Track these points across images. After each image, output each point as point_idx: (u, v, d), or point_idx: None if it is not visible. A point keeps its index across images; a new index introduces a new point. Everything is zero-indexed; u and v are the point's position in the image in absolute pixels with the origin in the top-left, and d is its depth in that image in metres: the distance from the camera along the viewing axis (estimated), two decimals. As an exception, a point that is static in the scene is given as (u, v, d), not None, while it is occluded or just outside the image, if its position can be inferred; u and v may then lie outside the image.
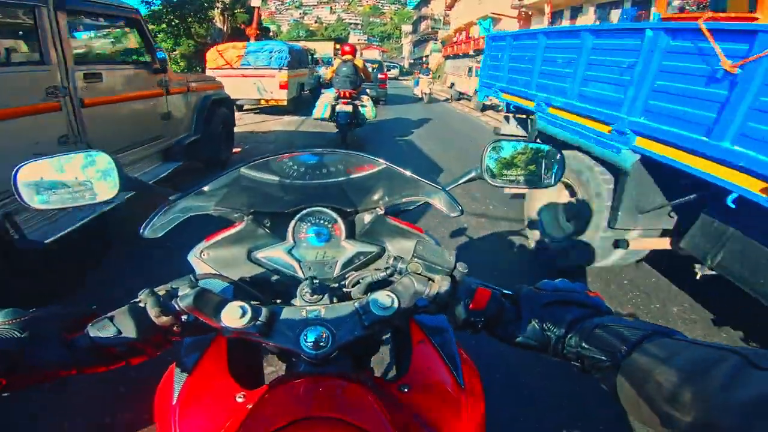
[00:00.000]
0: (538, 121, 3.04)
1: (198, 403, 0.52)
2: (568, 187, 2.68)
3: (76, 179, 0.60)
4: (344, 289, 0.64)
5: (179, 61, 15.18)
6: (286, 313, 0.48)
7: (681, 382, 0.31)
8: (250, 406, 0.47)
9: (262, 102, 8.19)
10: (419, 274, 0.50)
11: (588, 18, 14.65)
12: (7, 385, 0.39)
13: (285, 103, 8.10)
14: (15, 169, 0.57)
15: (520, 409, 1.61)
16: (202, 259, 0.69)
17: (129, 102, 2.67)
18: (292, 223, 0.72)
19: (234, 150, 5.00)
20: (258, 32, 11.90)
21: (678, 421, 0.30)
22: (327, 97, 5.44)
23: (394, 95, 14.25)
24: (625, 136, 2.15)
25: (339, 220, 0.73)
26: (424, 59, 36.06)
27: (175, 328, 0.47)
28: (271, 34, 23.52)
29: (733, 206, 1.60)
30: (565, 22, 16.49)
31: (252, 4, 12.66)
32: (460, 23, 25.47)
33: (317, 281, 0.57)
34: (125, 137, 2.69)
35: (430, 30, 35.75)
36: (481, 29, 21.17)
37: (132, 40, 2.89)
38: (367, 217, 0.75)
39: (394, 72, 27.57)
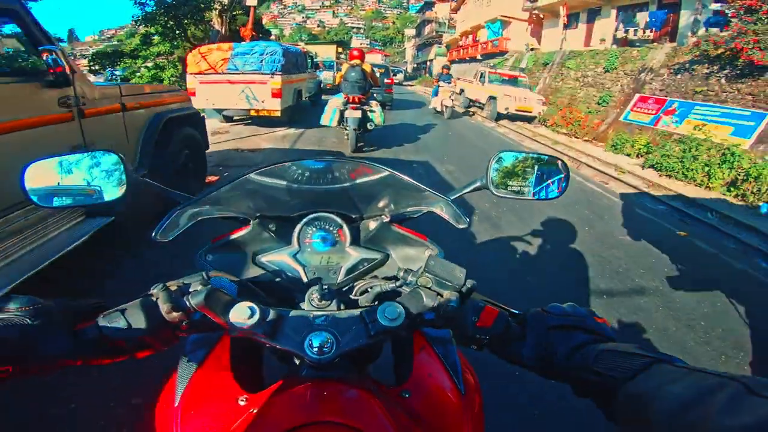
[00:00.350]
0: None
1: (200, 406, 0.51)
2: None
3: (83, 179, 0.61)
4: (352, 297, 0.64)
5: (177, 64, 14.34)
6: (293, 317, 0.48)
7: (680, 409, 0.31)
8: (252, 410, 0.48)
9: (252, 113, 7.04)
10: (429, 288, 0.51)
11: (608, 22, 13.68)
12: (13, 372, 0.39)
13: (278, 113, 6.97)
14: (23, 168, 0.58)
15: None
16: (207, 261, 0.70)
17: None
18: (298, 227, 0.73)
19: (208, 179, 4.05)
20: (254, 33, 10.91)
21: None
22: (335, 102, 5.31)
23: (399, 100, 13.96)
24: None
25: (344, 225, 0.73)
26: (428, 63, 35.27)
27: (183, 325, 0.47)
28: (272, 37, 22.74)
29: None
30: (581, 26, 15.54)
31: (247, 3, 11.69)
32: (467, 26, 24.62)
33: (326, 287, 0.57)
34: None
35: (434, 34, 35.00)
36: (490, 32, 20.27)
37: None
38: (372, 224, 0.76)
39: (399, 77, 26.64)
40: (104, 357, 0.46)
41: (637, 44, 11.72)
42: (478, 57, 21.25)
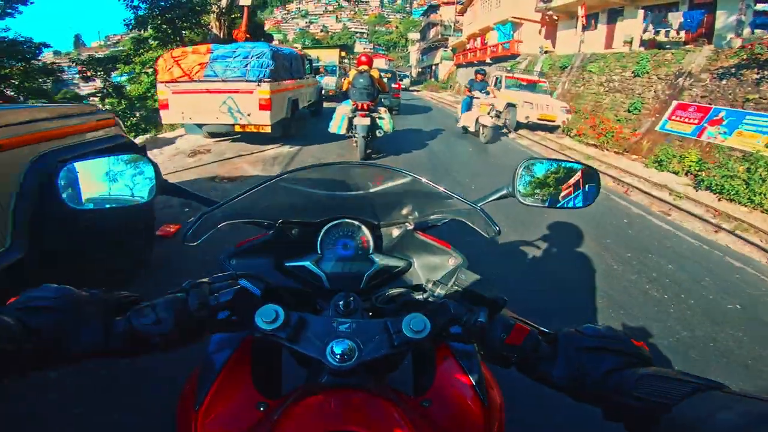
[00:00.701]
0: None
1: (220, 411, 0.51)
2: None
3: (115, 181, 0.63)
4: (376, 305, 0.62)
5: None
6: (317, 323, 0.48)
7: None
8: (271, 417, 0.47)
9: (237, 128, 5.79)
10: (456, 301, 0.50)
11: (633, 23, 12.62)
12: (44, 362, 0.39)
13: (269, 129, 5.74)
14: (58, 170, 0.60)
15: None
16: (231, 265, 0.70)
17: None
18: (321, 234, 0.73)
19: (164, 229, 2.90)
20: (248, 36, 9.98)
21: None
22: (344, 109, 5.23)
23: (407, 105, 13.65)
24: None
25: (367, 232, 0.73)
26: (434, 67, 34.39)
27: (210, 323, 0.47)
28: (275, 42, 21.87)
29: None
30: (601, 27, 14.48)
31: (240, 3, 10.80)
32: (474, 29, 23.70)
33: (352, 295, 0.57)
34: None
35: (439, 37, 34.16)
36: (500, 35, 19.30)
37: None
38: (396, 232, 0.76)
39: (405, 82, 25.36)
40: (133, 350, 0.45)
41: (668, 46, 10.69)
42: (488, 60, 20.27)
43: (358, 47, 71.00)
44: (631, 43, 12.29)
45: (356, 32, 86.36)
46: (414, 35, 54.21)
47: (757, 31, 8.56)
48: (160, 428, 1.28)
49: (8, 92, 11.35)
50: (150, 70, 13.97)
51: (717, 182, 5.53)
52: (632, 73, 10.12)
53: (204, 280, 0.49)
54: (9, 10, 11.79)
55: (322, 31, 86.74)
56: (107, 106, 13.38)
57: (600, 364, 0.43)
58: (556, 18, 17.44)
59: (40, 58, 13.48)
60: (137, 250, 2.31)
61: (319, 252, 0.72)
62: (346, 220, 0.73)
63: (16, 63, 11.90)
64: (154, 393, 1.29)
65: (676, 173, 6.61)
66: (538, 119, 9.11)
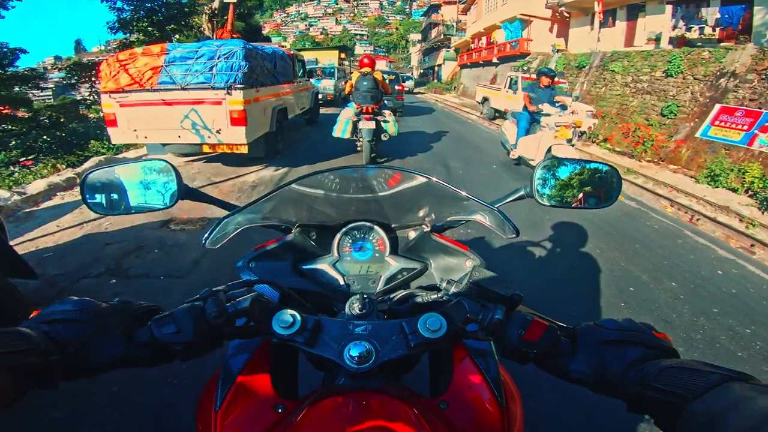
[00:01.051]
0: None
1: (239, 412, 0.51)
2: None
3: (138, 187, 0.64)
4: (392, 306, 0.63)
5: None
6: (333, 326, 0.48)
7: (760, 425, 0.29)
8: (289, 418, 0.47)
9: (206, 149, 4.63)
10: (472, 299, 0.49)
11: (659, 19, 11.57)
12: (69, 373, 0.40)
13: (245, 149, 4.55)
14: (83, 176, 0.62)
15: None
16: (249, 268, 0.70)
17: None
18: (337, 237, 0.73)
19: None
20: (235, 36, 9.00)
21: None
22: (348, 113, 5.08)
23: (409, 107, 13.22)
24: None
25: (383, 235, 0.73)
26: (436, 68, 33.41)
27: (228, 330, 0.47)
28: (275, 44, 20.88)
29: None
30: (620, 24, 13.45)
31: (225, 0, 9.85)
32: (479, 28, 22.72)
33: (367, 297, 0.56)
34: None
35: (441, 37, 33.19)
36: (507, 33, 18.30)
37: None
38: (412, 234, 0.76)
39: (409, 84, 23.79)
40: (154, 360, 0.46)
41: (698, 44, 9.68)
42: (494, 60, 19.29)
43: (359, 49, 70.43)
44: (655, 40, 11.28)
45: (356, 34, 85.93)
46: (415, 36, 53.32)
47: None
48: (179, 429, 1.31)
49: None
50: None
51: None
52: (664, 72, 9.11)
53: (220, 287, 0.49)
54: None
55: (321, 33, 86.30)
56: (92, 114, 12.49)
57: (623, 356, 0.43)
58: (567, 15, 16.45)
59: (40, 63, 12.55)
60: None
61: (336, 254, 0.72)
62: (362, 223, 0.73)
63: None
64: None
65: (734, 190, 5.59)
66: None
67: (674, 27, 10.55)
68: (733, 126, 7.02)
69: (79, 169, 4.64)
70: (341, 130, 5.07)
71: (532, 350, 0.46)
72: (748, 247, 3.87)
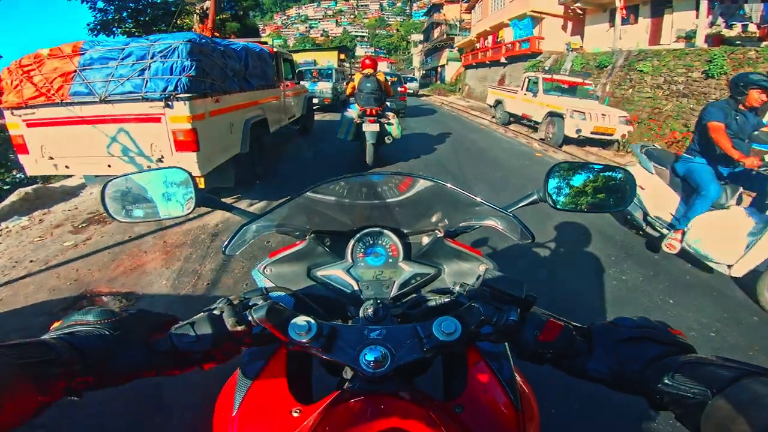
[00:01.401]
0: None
1: (256, 416, 0.52)
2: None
3: (155, 194, 0.65)
4: (405, 311, 0.63)
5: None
6: (348, 331, 0.48)
7: None
8: (305, 422, 0.48)
9: None
10: (486, 301, 0.49)
11: (691, 16, 10.51)
12: (93, 384, 0.40)
13: (201, 182, 3.27)
14: (103, 185, 0.63)
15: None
16: (265, 274, 0.71)
17: None
18: (351, 243, 0.73)
19: None
20: (216, 35, 7.99)
21: None
22: (351, 114, 4.88)
23: (414, 108, 12.54)
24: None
25: (396, 241, 0.74)
26: (439, 69, 32.40)
27: (246, 338, 0.48)
28: (273, 46, 19.74)
29: None
30: (643, 21, 12.40)
31: (207, -7, 8.86)
32: (485, 26, 21.71)
33: (380, 302, 0.57)
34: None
35: (444, 37, 32.19)
36: (516, 31, 17.29)
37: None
38: (426, 239, 0.76)
39: (413, 86, 22.35)
40: (174, 368, 0.46)
41: (737, 42, 8.67)
42: (502, 60, 18.28)
43: (359, 51, 69.71)
44: (686, 38, 10.26)
45: (357, 36, 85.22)
46: (416, 36, 52.42)
47: None
48: None
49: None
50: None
51: None
52: (703, 73, 8.09)
53: (236, 296, 0.51)
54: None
55: (322, 35, 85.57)
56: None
57: (641, 354, 0.43)
58: (581, 12, 15.44)
59: None
60: None
61: (350, 260, 0.72)
62: (376, 229, 0.74)
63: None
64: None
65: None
66: (592, 133, 7.07)
67: (711, 24, 9.50)
68: (796, 134, 5.98)
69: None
70: (344, 132, 4.91)
71: (548, 351, 0.47)
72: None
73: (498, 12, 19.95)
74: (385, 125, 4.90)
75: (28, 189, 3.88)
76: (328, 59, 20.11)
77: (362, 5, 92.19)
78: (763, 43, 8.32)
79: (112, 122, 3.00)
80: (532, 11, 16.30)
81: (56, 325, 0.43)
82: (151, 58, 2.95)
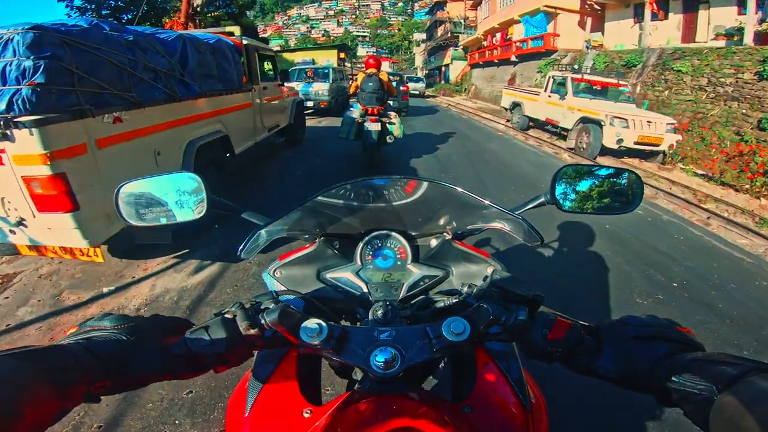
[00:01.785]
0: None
1: (268, 416, 0.52)
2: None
3: (168, 199, 0.65)
4: (414, 312, 0.64)
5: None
6: (358, 333, 0.48)
7: None
8: (316, 423, 0.48)
9: (23, 250, 2.05)
10: (494, 301, 0.49)
11: (733, 11, 9.39)
12: (111, 388, 0.40)
13: (97, 254, 2.05)
14: (117, 188, 0.64)
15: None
16: (275, 277, 0.72)
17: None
18: (360, 245, 0.74)
19: None
20: (192, 28, 6.96)
21: None
22: (353, 114, 4.83)
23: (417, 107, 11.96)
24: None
25: (405, 243, 0.74)
26: (443, 68, 31.27)
27: (258, 341, 0.48)
28: (274, 48, 18.51)
29: None
30: (674, 17, 11.28)
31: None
32: (492, 23, 20.60)
33: (389, 304, 0.58)
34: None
35: (449, 35, 31.07)
36: (528, 28, 16.18)
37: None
38: (434, 242, 0.77)
39: (418, 86, 20.99)
40: (189, 372, 0.46)
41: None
42: (512, 59, 17.20)
43: (361, 51, 68.80)
44: (727, 35, 9.17)
45: (358, 36, 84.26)
46: (419, 36, 51.35)
47: None
48: None
49: None
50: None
51: None
52: (756, 75, 7.00)
53: (247, 300, 0.51)
54: None
55: (323, 35, 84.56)
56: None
57: (650, 352, 0.43)
58: (598, 8, 14.35)
59: None
60: None
61: (359, 263, 0.73)
62: (385, 232, 0.74)
63: None
64: None
65: None
66: (636, 143, 5.98)
67: (762, 20, 8.39)
68: None
69: None
70: (346, 131, 4.81)
71: (557, 349, 0.47)
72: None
73: (507, 8, 18.85)
74: (387, 125, 4.81)
75: None
76: (327, 58, 19.01)
77: (363, 5, 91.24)
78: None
79: None
80: (545, 6, 15.21)
81: (72, 330, 0.43)
82: None
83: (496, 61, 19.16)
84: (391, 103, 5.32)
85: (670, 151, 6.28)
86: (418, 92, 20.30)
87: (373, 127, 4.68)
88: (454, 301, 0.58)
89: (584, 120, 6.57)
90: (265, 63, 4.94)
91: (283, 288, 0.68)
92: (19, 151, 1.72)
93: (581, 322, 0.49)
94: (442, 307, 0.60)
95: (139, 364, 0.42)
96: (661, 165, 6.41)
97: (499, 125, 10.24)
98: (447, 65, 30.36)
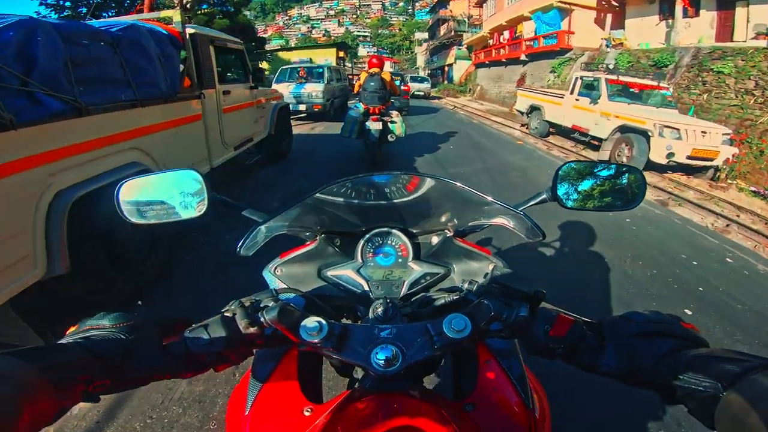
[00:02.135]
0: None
1: (268, 415, 0.52)
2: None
3: (169, 196, 0.64)
4: (415, 310, 0.63)
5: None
6: (359, 330, 0.48)
7: None
8: (317, 421, 0.48)
9: None
10: (495, 298, 0.49)
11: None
12: (110, 387, 0.40)
13: None
14: (117, 186, 0.63)
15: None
16: (275, 275, 0.72)
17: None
18: (361, 243, 0.74)
19: None
20: (155, 23, 5.85)
21: None
22: (355, 113, 4.84)
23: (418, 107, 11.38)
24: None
25: (406, 240, 0.74)
26: (446, 68, 30.30)
27: (258, 339, 0.48)
28: (272, 48, 17.27)
29: None
30: (706, 14, 10.30)
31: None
32: (499, 21, 19.65)
33: (390, 301, 0.57)
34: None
35: (452, 34, 30.08)
36: (539, 25, 15.22)
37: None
38: (435, 239, 0.76)
39: (424, 87, 19.71)
40: (189, 370, 0.46)
41: None
42: (522, 58, 16.26)
43: (362, 51, 67.97)
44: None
45: (359, 36, 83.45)
46: (421, 35, 50.35)
47: None
48: None
49: None
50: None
51: None
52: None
53: (247, 298, 0.51)
54: None
55: (324, 35, 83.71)
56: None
57: (654, 348, 0.42)
58: (617, 4, 13.40)
59: None
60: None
61: (360, 260, 0.73)
62: (385, 229, 0.74)
63: None
64: None
65: None
66: (689, 157, 5.03)
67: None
68: None
69: None
70: (348, 129, 4.80)
71: (559, 346, 0.47)
72: None
73: (516, 4, 17.88)
74: (389, 124, 4.80)
75: None
76: (325, 57, 18.07)
77: (364, 5, 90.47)
78: None
79: None
80: (559, 2, 14.26)
81: (72, 329, 0.43)
82: None
83: (503, 60, 18.20)
84: (394, 102, 5.30)
85: (725, 166, 5.33)
86: (422, 93, 19.20)
87: (375, 126, 4.67)
88: (455, 298, 0.59)
89: (624, 129, 5.61)
90: (237, 61, 3.99)
91: (283, 286, 0.67)
92: None
93: (584, 318, 0.49)
94: (442, 304, 0.60)
95: (138, 363, 0.41)
96: (712, 182, 5.46)
97: (515, 131, 9.27)
98: (450, 65, 29.39)
